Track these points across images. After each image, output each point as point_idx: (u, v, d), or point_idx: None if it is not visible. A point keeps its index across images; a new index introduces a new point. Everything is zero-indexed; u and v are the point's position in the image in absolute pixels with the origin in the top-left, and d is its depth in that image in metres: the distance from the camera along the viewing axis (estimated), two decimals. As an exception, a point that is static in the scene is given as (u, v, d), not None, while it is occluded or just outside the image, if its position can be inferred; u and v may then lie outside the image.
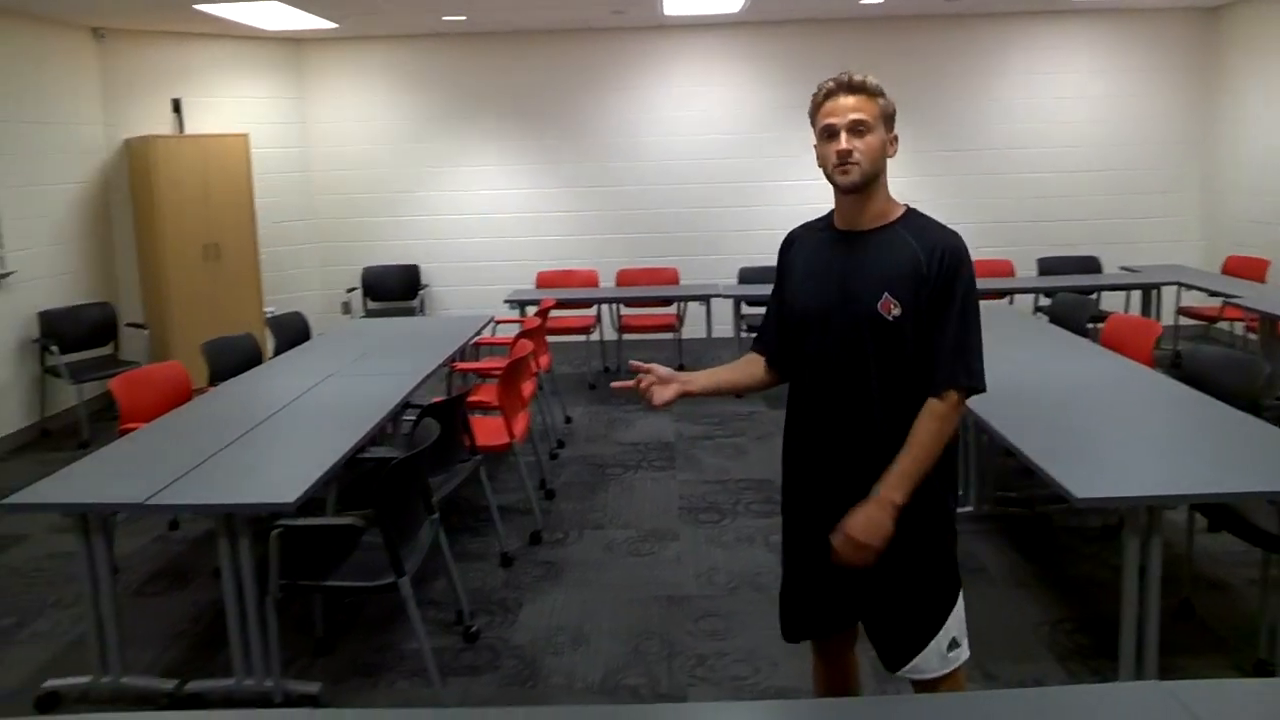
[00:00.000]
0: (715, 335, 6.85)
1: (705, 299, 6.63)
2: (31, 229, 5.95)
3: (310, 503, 2.75)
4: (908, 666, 1.92)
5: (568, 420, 5.82)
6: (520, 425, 4.15)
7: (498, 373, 4.29)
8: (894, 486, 1.79)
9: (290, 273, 7.70)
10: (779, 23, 7.54)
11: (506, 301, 6.45)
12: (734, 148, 7.73)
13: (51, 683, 2.95)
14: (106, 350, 6.30)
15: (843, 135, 1.81)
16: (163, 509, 2.70)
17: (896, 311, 1.83)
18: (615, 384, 2.05)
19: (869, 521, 1.79)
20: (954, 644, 1.92)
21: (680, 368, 6.88)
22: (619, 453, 5.18)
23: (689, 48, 7.66)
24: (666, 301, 6.88)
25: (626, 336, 6.91)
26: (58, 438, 5.92)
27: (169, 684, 2.93)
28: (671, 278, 7.18)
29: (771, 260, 2.15)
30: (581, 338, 6.76)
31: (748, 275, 6.93)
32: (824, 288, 1.91)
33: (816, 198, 2.33)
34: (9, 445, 5.70)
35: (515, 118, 7.76)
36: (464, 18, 6.84)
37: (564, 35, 7.64)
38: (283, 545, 2.73)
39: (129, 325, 6.60)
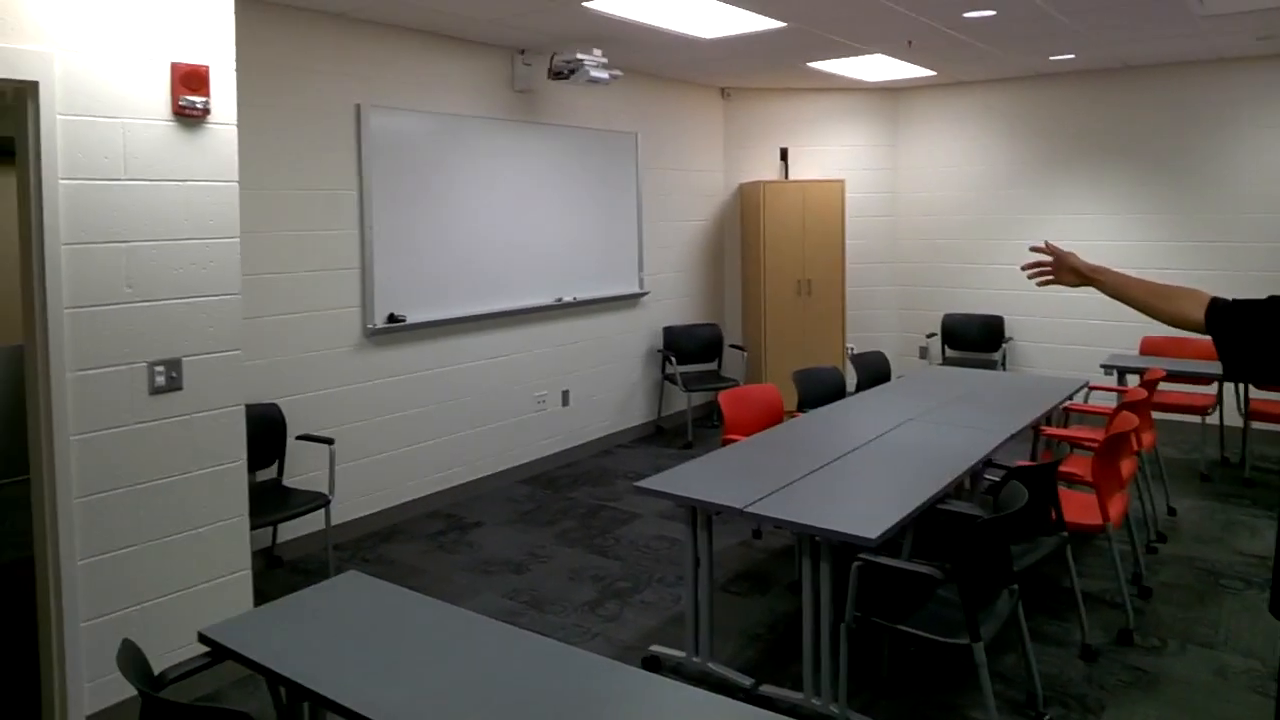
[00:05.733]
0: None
1: (1380, 391, 5.18)
2: (663, 258, 7.09)
3: (886, 543, 2.76)
4: None
5: (1171, 512, 5.00)
6: (1117, 508, 3.67)
7: (1091, 444, 3.87)
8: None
9: (872, 312, 7.99)
10: None
11: (1103, 366, 5.81)
12: None
13: (655, 648, 3.43)
14: (711, 366, 7.20)
15: None
16: (757, 518, 2.94)
17: None
18: (1025, 265, 2.17)
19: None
20: None
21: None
22: (1238, 563, 4.29)
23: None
24: (1319, 388, 5.54)
25: (1256, 425, 5.72)
26: (668, 436, 6.93)
27: (746, 680, 3.20)
28: (1329, 359, 5.75)
29: None
30: (1195, 419, 5.77)
31: None
32: None
33: None
34: (633, 435, 6.85)
35: (1121, 161, 6.97)
36: (1072, 56, 6.36)
37: (1190, 68, 6.63)
38: (860, 578, 2.78)
39: (731, 346, 7.48)
